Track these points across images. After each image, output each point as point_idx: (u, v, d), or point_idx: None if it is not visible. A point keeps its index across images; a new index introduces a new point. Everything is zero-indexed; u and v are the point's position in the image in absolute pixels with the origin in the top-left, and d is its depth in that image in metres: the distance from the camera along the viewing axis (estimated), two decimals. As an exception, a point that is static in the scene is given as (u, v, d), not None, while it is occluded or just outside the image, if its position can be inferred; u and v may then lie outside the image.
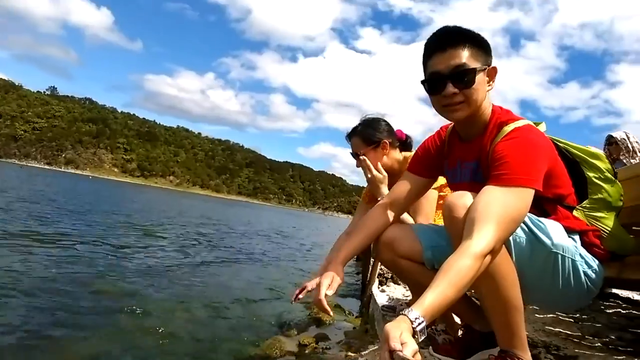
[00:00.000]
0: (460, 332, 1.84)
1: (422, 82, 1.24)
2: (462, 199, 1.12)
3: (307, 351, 1.98)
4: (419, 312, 0.89)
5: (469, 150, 1.32)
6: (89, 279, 3.56)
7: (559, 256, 1.18)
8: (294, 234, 17.63)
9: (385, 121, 2.00)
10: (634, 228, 1.60)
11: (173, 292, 3.51)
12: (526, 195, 1.09)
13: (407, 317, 0.88)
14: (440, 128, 1.51)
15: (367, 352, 1.94)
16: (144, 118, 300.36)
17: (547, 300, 1.39)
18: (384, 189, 1.86)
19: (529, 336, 1.60)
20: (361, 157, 1.90)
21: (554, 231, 1.19)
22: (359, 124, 1.99)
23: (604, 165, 1.40)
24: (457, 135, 1.37)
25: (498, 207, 1.05)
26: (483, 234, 1.01)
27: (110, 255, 4.93)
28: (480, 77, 1.18)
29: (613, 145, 4.13)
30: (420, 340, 0.88)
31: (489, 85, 1.22)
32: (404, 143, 2.08)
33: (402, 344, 0.81)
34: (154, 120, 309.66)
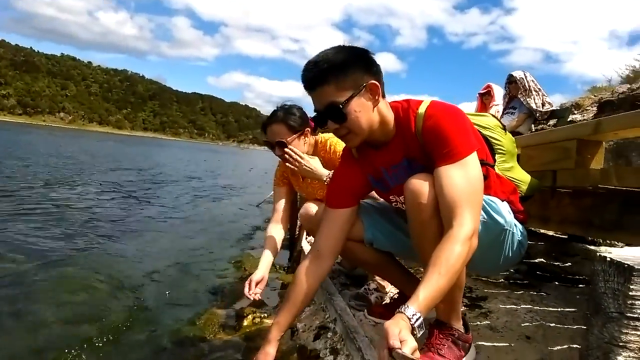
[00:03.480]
0: (390, 297, 1.97)
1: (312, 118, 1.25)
2: (425, 185, 1.15)
3: (245, 323, 1.98)
4: (415, 308, 0.92)
5: (390, 153, 1.30)
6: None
7: (508, 232, 1.27)
8: (219, 172, 16.90)
9: (302, 108, 1.91)
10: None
11: (82, 262, 3.11)
12: (475, 160, 1.14)
13: (404, 314, 0.91)
14: (343, 149, 1.49)
15: (303, 316, 2.01)
16: (17, 45, 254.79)
17: (488, 268, 1.54)
18: (323, 170, 1.78)
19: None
20: (289, 148, 1.77)
21: (505, 210, 1.26)
22: (280, 110, 1.84)
23: (493, 122, 1.49)
24: (368, 145, 1.33)
25: (462, 186, 1.09)
26: (462, 219, 1.05)
27: None
28: (356, 104, 1.16)
29: (513, 84, 4.50)
30: (419, 335, 0.91)
31: (374, 101, 1.20)
32: (313, 131, 2.01)
33: (401, 342, 0.83)
34: (31, 47, 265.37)
